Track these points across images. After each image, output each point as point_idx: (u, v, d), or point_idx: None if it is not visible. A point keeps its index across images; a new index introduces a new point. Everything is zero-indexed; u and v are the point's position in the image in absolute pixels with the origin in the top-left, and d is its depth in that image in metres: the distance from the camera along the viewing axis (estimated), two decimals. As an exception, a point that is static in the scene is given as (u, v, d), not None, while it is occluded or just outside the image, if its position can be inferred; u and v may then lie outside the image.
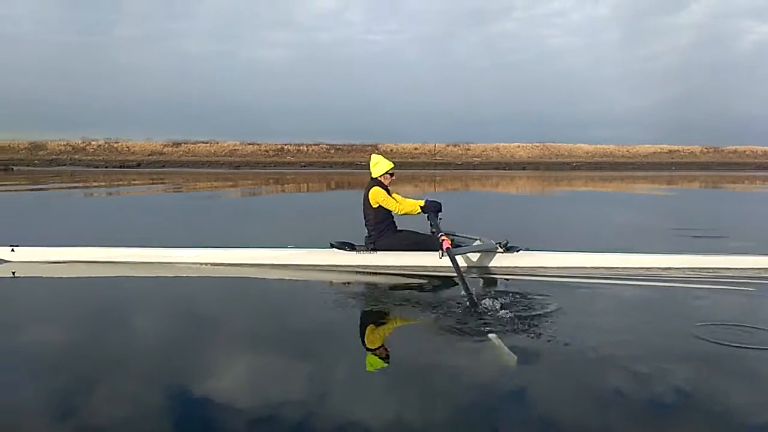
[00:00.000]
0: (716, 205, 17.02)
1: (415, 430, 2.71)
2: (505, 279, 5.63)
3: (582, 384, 3.17)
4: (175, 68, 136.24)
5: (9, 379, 3.25)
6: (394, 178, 6.24)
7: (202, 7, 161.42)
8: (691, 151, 62.87)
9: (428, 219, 6.08)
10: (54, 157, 55.49)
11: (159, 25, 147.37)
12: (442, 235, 5.57)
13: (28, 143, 60.86)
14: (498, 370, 3.34)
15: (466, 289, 4.55)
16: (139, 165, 49.35)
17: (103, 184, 26.20)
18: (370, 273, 5.90)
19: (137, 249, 6.45)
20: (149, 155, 57.74)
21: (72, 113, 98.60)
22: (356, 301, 5.12)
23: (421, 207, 6.12)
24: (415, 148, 62.34)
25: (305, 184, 26.38)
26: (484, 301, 4.41)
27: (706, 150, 63.35)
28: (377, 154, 6.47)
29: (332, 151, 61.02)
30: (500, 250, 6.02)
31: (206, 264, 6.20)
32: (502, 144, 63.78)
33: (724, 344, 3.65)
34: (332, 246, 6.06)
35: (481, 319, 4.09)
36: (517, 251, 6.06)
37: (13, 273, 6.06)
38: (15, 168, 41.29)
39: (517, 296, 4.70)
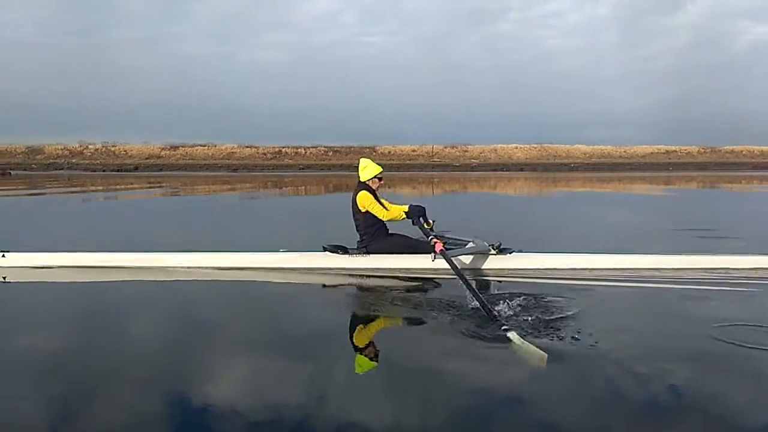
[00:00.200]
0: (716, 205, 17.00)
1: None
2: (498, 281, 5.61)
3: (610, 385, 3.13)
4: (174, 71, 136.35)
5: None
6: (382, 182, 6.25)
7: (200, 8, 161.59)
8: (689, 152, 62.93)
9: (414, 224, 6.08)
10: (51, 161, 55.43)
11: (157, 28, 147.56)
12: (432, 238, 5.57)
13: (25, 147, 60.80)
14: (525, 371, 3.30)
15: (469, 286, 4.53)
16: (136, 168, 49.31)
17: (100, 188, 26.18)
18: (363, 276, 5.87)
19: (129, 254, 6.42)
20: (147, 159, 57.71)
21: (69, 117, 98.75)
22: (352, 304, 5.12)
23: (406, 212, 6.12)
24: (413, 150, 62.35)
25: (303, 187, 26.34)
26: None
27: (703, 150, 63.42)
28: (366, 158, 6.49)
29: (330, 154, 61.02)
30: (493, 252, 6.00)
31: (199, 268, 6.17)
32: (500, 145, 63.83)
33: (745, 346, 3.61)
34: (325, 249, 6.04)
35: (494, 318, 4.01)
36: (510, 253, 6.04)
37: (4, 278, 6.03)
38: (12, 172, 41.23)
39: (516, 296, 4.65)
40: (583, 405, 2.94)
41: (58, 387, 3.21)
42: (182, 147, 62.42)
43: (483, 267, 6.00)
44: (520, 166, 50.94)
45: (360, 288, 5.69)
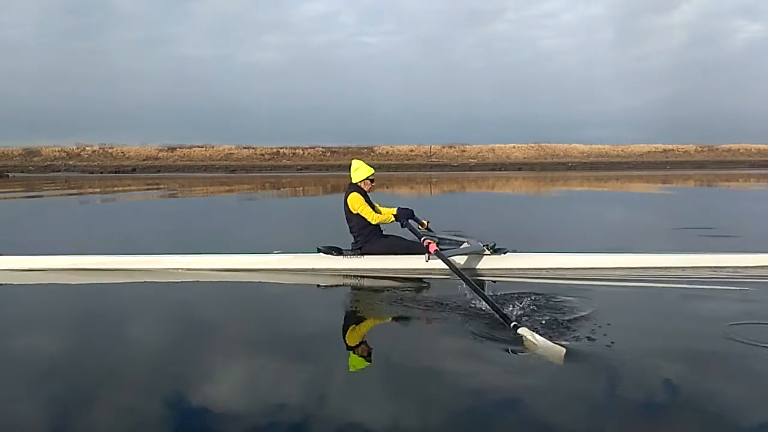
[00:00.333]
0: (714, 203, 16.97)
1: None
2: (493, 281, 5.59)
3: (631, 384, 3.10)
4: (172, 72, 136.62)
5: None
6: (374, 184, 6.25)
7: (199, 9, 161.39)
8: (686, 150, 63.03)
9: (403, 226, 6.09)
10: (48, 163, 55.41)
11: (156, 28, 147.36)
12: (425, 239, 5.57)
13: (22, 149, 60.76)
14: (538, 369, 3.28)
15: (471, 285, 4.53)
16: (134, 170, 49.29)
17: (98, 190, 26.14)
18: (358, 277, 5.87)
19: (124, 256, 6.41)
20: (144, 160, 57.67)
21: (66, 119, 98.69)
22: (348, 305, 5.12)
23: (395, 215, 6.11)
24: (411, 150, 62.37)
25: (301, 188, 26.32)
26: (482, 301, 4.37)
27: (700, 149, 63.52)
28: (359, 159, 6.48)
29: (328, 154, 60.99)
30: (487, 252, 5.99)
31: (193, 270, 6.16)
32: (497, 145, 63.89)
33: (758, 345, 3.59)
34: (319, 251, 6.03)
35: (502, 316, 3.97)
36: (505, 253, 6.03)
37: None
38: (10, 175, 41.18)
39: (516, 296, 4.64)
40: (602, 407, 2.90)
41: (52, 391, 3.19)
42: (180, 148, 62.39)
43: (477, 267, 5.98)
44: (518, 166, 50.96)
45: (355, 289, 5.68)
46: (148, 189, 25.90)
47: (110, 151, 61.67)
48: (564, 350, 3.31)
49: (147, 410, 2.95)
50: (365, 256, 6.01)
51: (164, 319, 4.69)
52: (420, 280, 5.67)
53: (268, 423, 2.77)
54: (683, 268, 5.84)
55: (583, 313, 4.25)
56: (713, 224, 9.82)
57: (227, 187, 26.52)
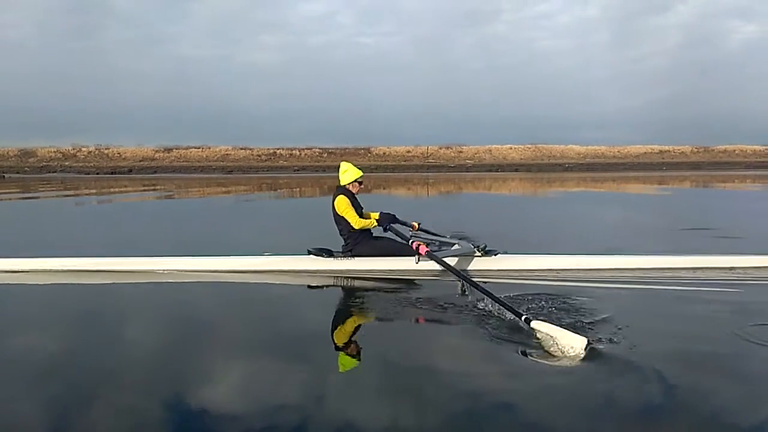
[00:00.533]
0: (711, 204, 16.97)
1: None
2: (483, 283, 5.56)
3: (653, 384, 3.10)
4: (169, 72, 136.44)
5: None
6: (362, 186, 6.24)
7: (197, 8, 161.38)
8: (682, 151, 63.16)
9: (386, 230, 6.09)
10: (44, 164, 55.28)
11: (154, 28, 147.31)
12: (414, 241, 5.57)
13: (17, 150, 60.60)
14: (547, 366, 3.26)
15: (470, 282, 4.53)
16: (130, 171, 49.19)
17: (93, 191, 26.07)
18: (349, 278, 5.86)
19: (116, 258, 6.38)
20: (140, 161, 57.57)
21: (62, 119, 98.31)
22: (339, 306, 5.13)
23: (377, 220, 6.10)
24: (408, 151, 62.39)
25: (297, 189, 26.29)
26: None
27: (696, 150, 63.65)
28: (346, 161, 6.49)
29: (325, 155, 60.96)
30: (478, 254, 5.98)
31: (184, 271, 6.13)
32: (494, 146, 63.96)
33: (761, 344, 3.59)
34: (310, 253, 6.01)
35: (512, 310, 3.96)
36: (495, 254, 6.02)
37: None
38: (5, 176, 41.07)
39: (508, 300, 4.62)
40: (601, 407, 2.89)
41: (49, 392, 3.18)
42: (176, 149, 62.32)
43: (468, 269, 5.96)
44: (515, 167, 50.99)
45: (345, 290, 5.67)
46: (144, 190, 25.84)
47: (106, 151, 61.58)
48: (586, 340, 3.20)
49: (138, 410, 2.93)
50: (356, 258, 6.00)
51: (157, 320, 4.68)
52: (411, 281, 5.67)
53: (262, 423, 2.77)
54: (682, 269, 5.83)
55: (575, 314, 4.24)
56: (710, 225, 9.83)
57: (224, 188, 26.47)
